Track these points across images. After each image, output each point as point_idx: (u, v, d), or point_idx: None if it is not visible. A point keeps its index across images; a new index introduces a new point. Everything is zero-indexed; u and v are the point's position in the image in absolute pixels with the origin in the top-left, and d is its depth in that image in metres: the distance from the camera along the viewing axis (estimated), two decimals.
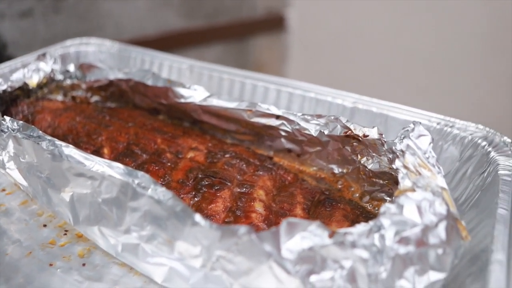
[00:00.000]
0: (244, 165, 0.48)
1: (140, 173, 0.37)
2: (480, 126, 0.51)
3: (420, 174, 0.36)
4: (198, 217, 0.33)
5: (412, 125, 0.38)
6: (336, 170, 0.48)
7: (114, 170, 0.38)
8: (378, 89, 1.51)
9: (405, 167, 0.36)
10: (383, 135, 0.41)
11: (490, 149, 0.48)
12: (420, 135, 0.38)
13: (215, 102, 0.51)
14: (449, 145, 0.51)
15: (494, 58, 1.38)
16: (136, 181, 0.36)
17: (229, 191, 0.44)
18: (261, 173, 0.47)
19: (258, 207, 0.43)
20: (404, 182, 0.36)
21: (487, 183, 0.45)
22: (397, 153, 0.37)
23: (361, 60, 1.73)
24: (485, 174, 0.46)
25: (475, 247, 0.39)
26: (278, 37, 1.93)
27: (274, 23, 1.91)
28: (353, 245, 0.32)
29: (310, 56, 1.91)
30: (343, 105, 0.56)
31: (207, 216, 0.42)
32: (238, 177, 0.46)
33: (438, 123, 0.52)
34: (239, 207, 0.43)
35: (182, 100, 0.53)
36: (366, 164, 0.44)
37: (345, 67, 1.79)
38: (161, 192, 0.35)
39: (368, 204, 0.46)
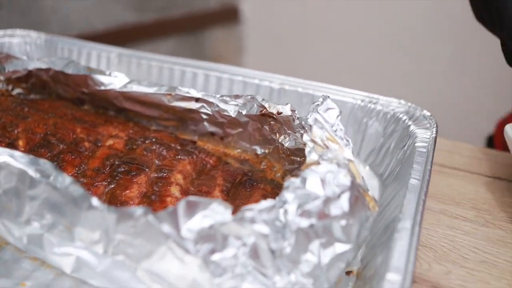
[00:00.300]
0: (164, 150, 0.46)
1: (42, 161, 0.35)
2: (402, 101, 0.51)
3: (327, 147, 0.36)
4: (95, 200, 0.32)
5: (321, 99, 0.38)
6: (259, 150, 0.47)
7: (14, 159, 0.36)
8: (334, 76, 1.52)
9: (313, 141, 0.36)
10: (296, 111, 0.41)
11: (410, 123, 0.48)
12: (328, 109, 0.38)
13: (135, 88, 0.50)
14: (373, 121, 0.51)
15: (420, 41, 1.43)
16: (34, 169, 0.35)
17: (145, 177, 0.43)
18: (181, 157, 0.46)
19: (175, 191, 0.42)
20: (311, 156, 0.35)
21: (406, 156, 0.45)
22: (306, 128, 0.37)
23: (315, 48, 1.74)
24: (405, 147, 0.46)
25: (388, 217, 0.39)
26: (233, 28, 1.92)
27: (228, 15, 1.90)
28: (253, 220, 0.31)
29: (266, 46, 1.90)
30: (270, 87, 0.55)
31: (121, 202, 0.40)
32: (157, 162, 0.45)
33: (362, 100, 0.52)
34: (154, 192, 0.42)
35: (103, 88, 0.51)
36: (283, 143, 0.43)
37: (301, 55, 1.80)
38: (60, 179, 0.34)
39: None
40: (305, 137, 0.36)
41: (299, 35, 1.78)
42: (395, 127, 0.49)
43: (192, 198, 0.32)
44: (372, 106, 0.52)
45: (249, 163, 0.48)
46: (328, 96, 0.38)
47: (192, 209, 0.32)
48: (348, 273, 0.39)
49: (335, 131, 0.37)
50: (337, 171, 0.33)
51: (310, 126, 0.37)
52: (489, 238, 0.45)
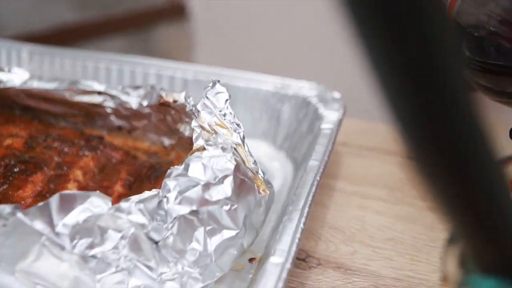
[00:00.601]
0: (67, 147, 0.45)
1: None
2: (314, 85, 0.51)
3: (216, 132, 0.35)
4: None
5: (210, 84, 0.37)
6: (166, 142, 0.46)
7: None
8: (285, 67, 1.52)
9: (201, 126, 0.35)
10: (190, 98, 0.40)
11: (320, 105, 0.48)
12: (217, 93, 0.37)
13: (36, 84, 0.47)
14: (286, 107, 0.51)
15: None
16: None
17: (42, 175, 0.41)
18: (84, 153, 0.44)
19: (72, 187, 0.40)
20: (197, 142, 0.34)
21: (313, 139, 0.45)
22: (196, 114, 0.36)
23: (265, 39, 1.73)
24: (314, 130, 0.46)
25: (288, 201, 0.38)
26: (182, 25, 1.89)
27: (177, 11, 1.86)
28: (129, 211, 0.30)
29: (217, 41, 1.89)
30: (184, 79, 0.54)
31: (12, 203, 0.38)
32: (57, 159, 0.43)
33: (275, 86, 0.52)
34: (50, 189, 0.40)
35: (1, 86, 0.48)
36: (184, 132, 0.42)
37: (252, 48, 1.79)
38: None
39: None
40: (193, 123, 0.35)
41: (248, 29, 1.77)
42: (307, 111, 0.49)
43: (67, 192, 0.30)
44: (286, 91, 0.51)
45: (158, 155, 0.46)
46: (218, 81, 0.37)
47: (69, 204, 0.30)
48: (251, 260, 0.38)
49: (224, 115, 0.36)
50: (221, 155, 0.33)
51: (199, 111, 0.36)
52: (399, 216, 0.45)
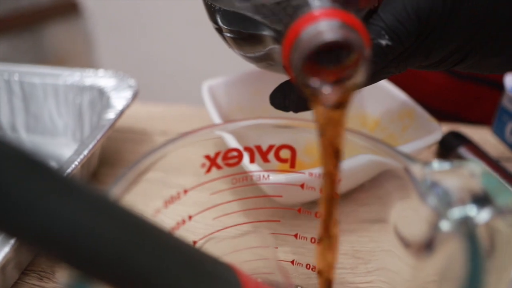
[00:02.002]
0: None
1: None
2: (110, 73, 0.48)
3: None
4: None
5: None
6: None
7: None
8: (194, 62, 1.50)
9: None
10: None
11: (113, 93, 0.46)
12: None
13: None
14: (84, 98, 0.48)
15: None
16: None
17: None
18: None
19: None
20: None
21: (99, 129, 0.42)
22: None
23: (161, 34, 1.69)
24: (101, 119, 0.44)
25: None
26: (77, 23, 1.80)
27: (67, 8, 1.77)
28: None
29: (117, 39, 1.81)
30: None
31: None
32: None
33: (73, 79, 0.49)
34: None
35: None
36: None
37: (151, 45, 1.73)
38: None
39: None
40: None
41: (143, 25, 1.71)
42: (101, 101, 0.46)
43: None
44: (82, 83, 0.48)
45: None
46: None
47: None
48: None
49: None
50: None
51: None
52: None
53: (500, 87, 0.53)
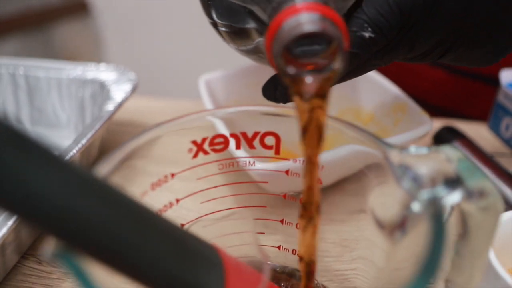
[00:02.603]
0: None
1: None
2: (112, 67, 0.50)
3: None
4: None
5: None
6: None
7: None
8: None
9: None
10: None
11: (113, 86, 0.47)
12: None
13: None
14: (85, 91, 0.49)
15: None
16: None
17: None
18: None
19: None
20: None
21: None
22: None
23: (176, 30, 1.71)
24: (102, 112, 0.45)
25: None
26: (86, 22, 1.83)
27: (77, 8, 1.80)
28: None
29: (125, 37, 1.84)
30: None
31: None
32: None
33: (76, 73, 0.50)
34: None
35: None
36: None
37: (163, 41, 1.75)
38: None
39: None
40: None
41: (154, 23, 1.73)
42: (102, 94, 0.48)
43: None
44: (84, 77, 0.50)
45: None
46: None
47: None
48: None
49: None
50: None
51: None
52: None
53: (497, 83, 0.53)
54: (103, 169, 0.22)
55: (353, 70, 0.30)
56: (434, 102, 0.62)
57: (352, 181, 0.33)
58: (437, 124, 0.51)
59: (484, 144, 0.50)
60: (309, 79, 0.23)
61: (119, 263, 0.19)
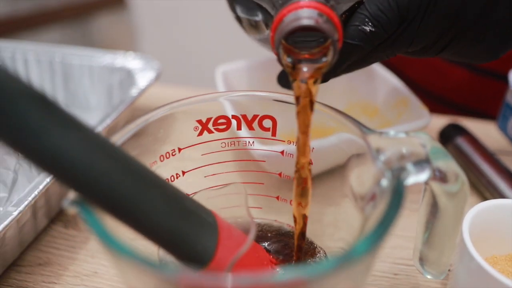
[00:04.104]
0: None
1: None
2: (138, 55, 0.54)
3: None
4: None
5: None
6: None
7: None
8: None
9: None
10: None
11: (137, 73, 0.51)
12: None
13: None
14: (116, 77, 0.54)
15: None
16: None
17: None
18: None
19: None
20: None
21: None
22: None
23: (205, 25, 1.75)
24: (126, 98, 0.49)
25: None
26: (122, 13, 1.90)
27: (114, 1, 1.87)
28: None
29: (160, 29, 1.90)
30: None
31: None
32: None
33: (106, 61, 0.55)
34: None
35: None
36: None
37: (193, 34, 1.81)
38: None
39: None
40: None
41: (187, 16, 1.78)
42: (128, 79, 0.52)
43: None
44: (114, 64, 0.54)
45: None
46: None
47: None
48: None
49: None
50: None
51: None
52: None
53: None
54: (117, 139, 0.26)
55: (357, 61, 0.33)
56: (458, 101, 0.63)
57: (341, 166, 0.35)
58: (444, 120, 0.53)
59: (491, 142, 0.52)
60: (304, 68, 0.27)
61: (124, 214, 0.22)
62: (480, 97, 0.63)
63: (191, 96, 0.29)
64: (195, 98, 0.29)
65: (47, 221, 0.40)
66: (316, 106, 0.27)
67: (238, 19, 0.36)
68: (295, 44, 0.27)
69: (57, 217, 0.41)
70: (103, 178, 0.21)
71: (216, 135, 0.30)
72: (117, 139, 0.26)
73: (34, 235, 0.39)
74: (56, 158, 0.20)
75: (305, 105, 0.27)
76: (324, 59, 0.27)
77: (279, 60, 0.27)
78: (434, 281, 0.35)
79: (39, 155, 0.20)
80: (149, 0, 1.84)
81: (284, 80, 0.34)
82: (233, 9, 0.36)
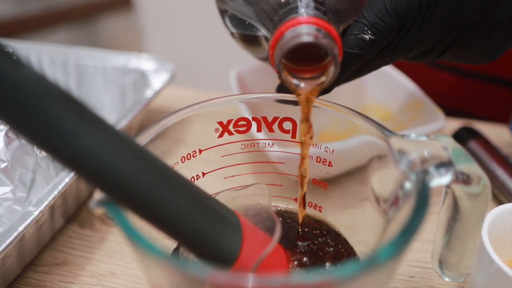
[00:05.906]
0: None
1: None
2: (152, 57, 0.54)
3: None
4: None
5: None
6: None
7: None
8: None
9: None
10: None
11: (151, 75, 0.51)
12: None
13: None
14: (128, 78, 0.54)
15: None
16: None
17: None
18: None
19: None
20: None
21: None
22: None
23: (211, 26, 1.75)
24: (141, 99, 0.49)
25: None
26: (128, 14, 1.91)
27: (121, 3, 1.88)
28: None
29: (166, 31, 1.91)
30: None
31: None
32: None
33: (119, 62, 0.55)
34: None
35: None
36: None
37: (200, 36, 1.81)
38: None
39: None
40: None
41: (193, 19, 1.79)
42: (142, 82, 0.52)
43: None
44: (127, 65, 0.54)
45: None
46: None
47: None
48: None
49: None
50: None
51: None
52: None
53: (510, 84, 0.54)
54: (140, 141, 0.26)
55: (358, 69, 0.33)
56: (447, 105, 0.63)
57: (362, 169, 0.36)
58: (457, 124, 0.53)
59: (504, 146, 0.52)
60: (305, 86, 0.27)
61: (152, 214, 0.23)
62: (468, 100, 0.63)
63: (208, 98, 0.29)
64: (215, 100, 0.29)
65: (63, 221, 0.41)
66: (338, 109, 0.27)
67: (232, 34, 0.36)
68: (295, 62, 0.27)
69: (72, 217, 0.42)
70: (132, 178, 0.21)
71: (236, 137, 0.31)
72: (141, 140, 0.26)
73: (51, 235, 0.39)
74: (87, 159, 0.20)
75: (307, 118, 0.28)
76: (325, 76, 0.27)
77: (280, 78, 0.27)
78: (450, 284, 0.35)
79: (71, 156, 0.20)
80: (156, 1, 1.85)
81: (284, 91, 0.34)
82: (225, 24, 0.35)
